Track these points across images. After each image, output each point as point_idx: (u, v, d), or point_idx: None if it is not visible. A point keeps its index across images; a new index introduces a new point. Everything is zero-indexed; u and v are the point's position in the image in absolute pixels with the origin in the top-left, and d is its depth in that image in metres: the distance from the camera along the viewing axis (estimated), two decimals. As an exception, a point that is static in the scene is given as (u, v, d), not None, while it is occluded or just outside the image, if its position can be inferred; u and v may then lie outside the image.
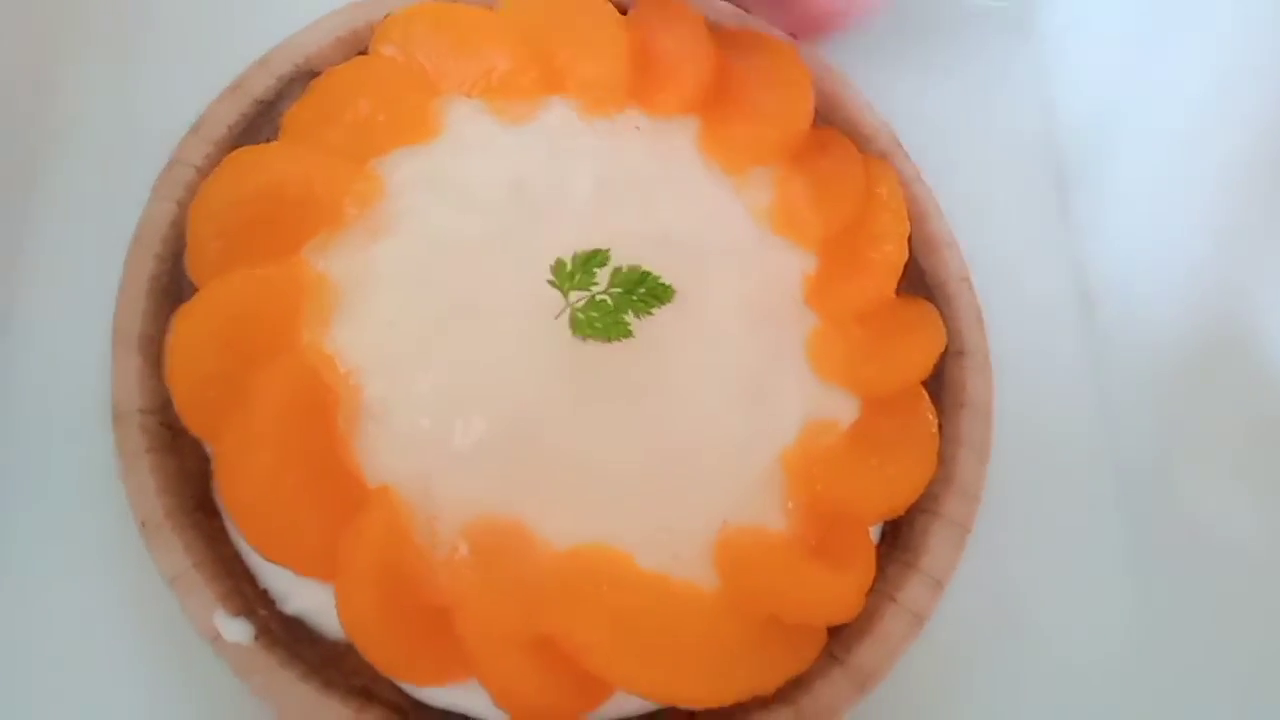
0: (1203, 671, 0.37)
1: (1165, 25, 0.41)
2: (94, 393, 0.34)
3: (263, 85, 0.38)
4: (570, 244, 0.34)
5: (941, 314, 0.38)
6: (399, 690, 0.32)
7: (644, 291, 0.34)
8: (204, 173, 0.36)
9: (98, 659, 0.34)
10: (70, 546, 0.35)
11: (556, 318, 0.34)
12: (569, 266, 0.33)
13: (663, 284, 0.34)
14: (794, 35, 0.41)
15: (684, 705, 0.32)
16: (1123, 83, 0.43)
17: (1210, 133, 0.38)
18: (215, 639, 0.32)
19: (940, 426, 0.36)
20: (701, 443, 0.34)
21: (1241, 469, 0.38)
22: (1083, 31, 0.46)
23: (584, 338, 0.33)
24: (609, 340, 0.33)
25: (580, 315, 0.33)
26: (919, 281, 0.39)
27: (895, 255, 0.37)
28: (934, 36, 0.47)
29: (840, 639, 0.34)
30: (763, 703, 0.32)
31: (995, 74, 0.47)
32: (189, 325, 0.33)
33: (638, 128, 0.38)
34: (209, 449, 0.33)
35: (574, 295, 0.34)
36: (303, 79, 0.38)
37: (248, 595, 0.33)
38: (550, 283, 0.33)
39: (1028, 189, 0.45)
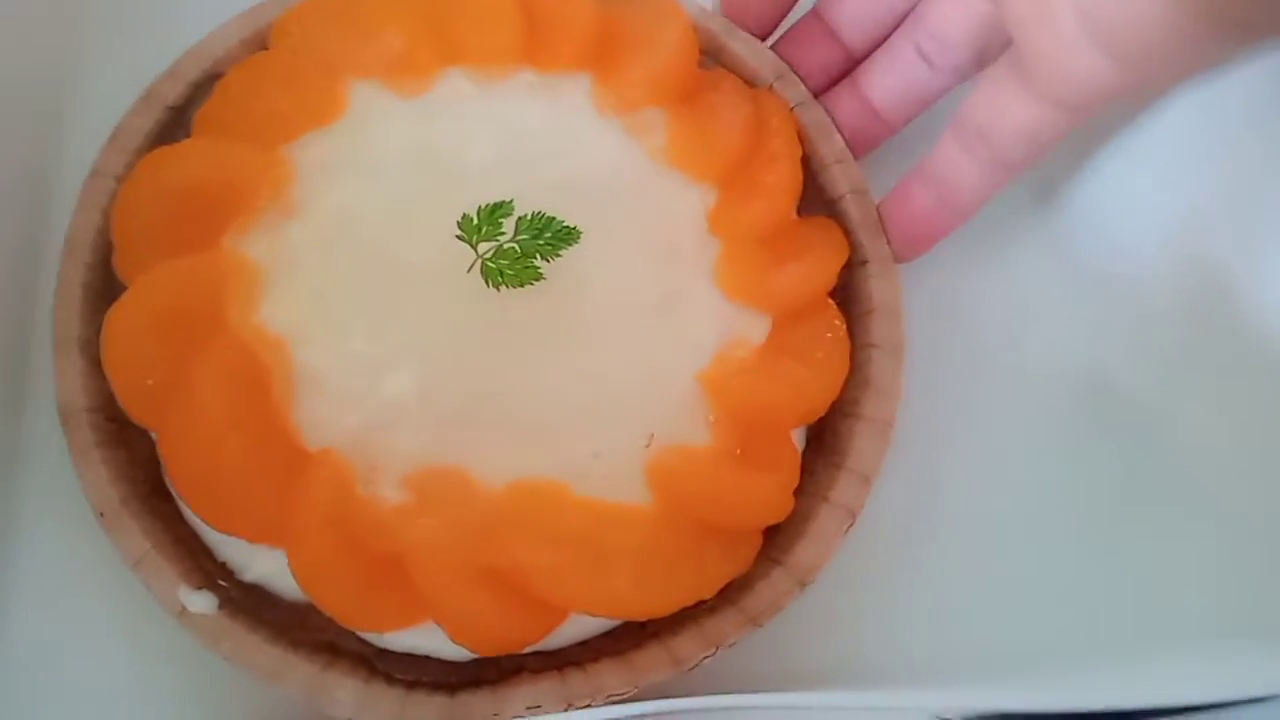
0: (1133, 557, 0.39)
1: None
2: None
3: (174, 92, 0.40)
4: (475, 201, 0.35)
5: (842, 227, 0.39)
6: (362, 640, 0.34)
7: (550, 236, 0.35)
8: (124, 180, 0.37)
9: (77, 639, 0.36)
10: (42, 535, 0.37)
11: (469, 270, 0.35)
12: (475, 220, 0.35)
13: (567, 227, 0.35)
14: None
15: (631, 618, 0.33)
16: None
17: None
18: (181, 613, 0.33)
19: (853, 333, 0.38)
20: (621, 373, 0.35)
21: (1175, 354, 0.39)
22: None
23: (498, 286, 0.35)
24: (521, 285, 0.35)
25: (491, 265, 0.35)
26: (819, 199, 0.40)
27: (789, 176, 0.38)
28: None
29: (778, 542, 0.35)
30: (710, 608, 0.34)
31: None
32: (120, 320, 0.34)
33: (530, 86, 0.39)
34: (154, 436, 0.35)
35: (483, 247, 0.35)
36: (211, 82, 0.40)
37: (207, 570, 0.34)
38: (459, 238, 0.35)
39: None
